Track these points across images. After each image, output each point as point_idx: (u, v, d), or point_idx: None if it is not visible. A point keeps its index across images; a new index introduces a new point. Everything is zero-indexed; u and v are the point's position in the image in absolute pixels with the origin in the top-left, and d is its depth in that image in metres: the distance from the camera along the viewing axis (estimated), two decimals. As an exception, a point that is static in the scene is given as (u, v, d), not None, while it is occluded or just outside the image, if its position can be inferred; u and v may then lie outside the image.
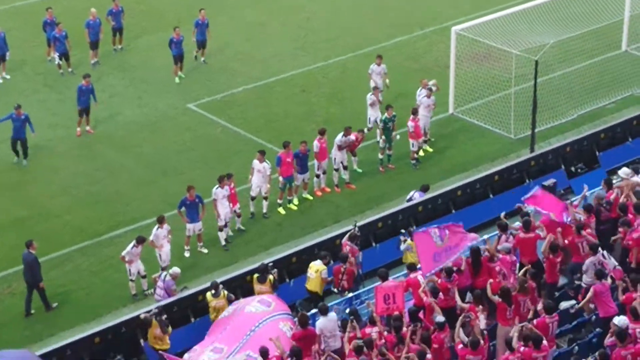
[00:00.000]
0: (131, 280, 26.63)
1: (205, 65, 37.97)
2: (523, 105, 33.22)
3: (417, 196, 28.79)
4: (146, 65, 38.28)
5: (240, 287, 25.17)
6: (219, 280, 24.92)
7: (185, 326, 24.74)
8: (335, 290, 24.93)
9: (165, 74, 37.00)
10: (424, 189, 29.10)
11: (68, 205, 30.54)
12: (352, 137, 30.86)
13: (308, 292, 25.12)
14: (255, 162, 29.32)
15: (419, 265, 23.93)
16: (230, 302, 24.09)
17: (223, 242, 28.57)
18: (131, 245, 26.38)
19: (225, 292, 24.37)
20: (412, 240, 25.06)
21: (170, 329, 23.76)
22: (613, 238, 24.48)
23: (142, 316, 23.83)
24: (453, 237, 23.61)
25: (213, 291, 24.31)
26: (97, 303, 26.74)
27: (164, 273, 25.57)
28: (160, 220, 26.89)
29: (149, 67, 38.05)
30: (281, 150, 30.07)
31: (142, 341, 24.32)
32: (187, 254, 28.27)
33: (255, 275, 24.73)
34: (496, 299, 22.06)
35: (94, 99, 33.52)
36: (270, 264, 25.09)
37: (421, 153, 32.38)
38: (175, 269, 25.55)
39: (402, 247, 25.79)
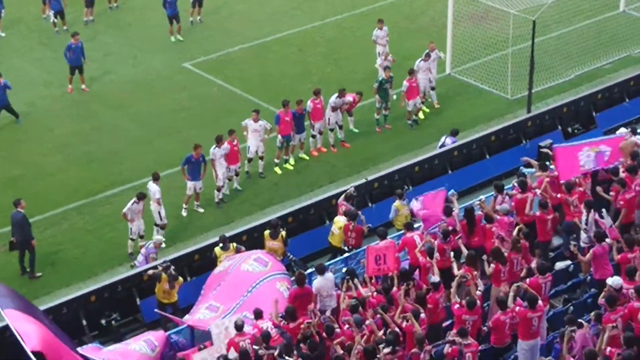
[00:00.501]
0: (131, 238, 26.55)
1: (201, 25, 37.78)
2: (520, 65, 33.09)
3: (448, 142, 28.99)
4: (141, 23, 38.09)
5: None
6: (214, 239, 24.94)
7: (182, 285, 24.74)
8: (346, 248, 24.90)
9: (161, 32, 36.81)
10: (454, 133, 29.24)
11: (62, 164, 30.46)
12: (350, 98, 30.75)
13: (331, 247, 25.22)
14: (250, 122, 29.22)
15: (416, 225, 23.95)
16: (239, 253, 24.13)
17: (217, 201, 28.54)
18: (132, 201, 26.28)
19: (235, 244, 24.36)
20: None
21: (180, 279, 23.83)
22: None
23: (150, 272, 23.87)
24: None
25: (221, 245, 24.30)
26: (92, 262, 26.70)
27: (149, 242, 25.53)
28: (140, 197, 26.27)
29: (145, 26, 37.86)
30: (279, 109, 29.97)
31: (138, 300, 24.35)
32: (184, 213, 28.21)
33: (267, 232, 24.70)
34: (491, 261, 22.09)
35: (83, 57, 33.30)
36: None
37: (421, 115, 32.27)
38: (159, 238, 25.58)
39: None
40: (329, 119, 30.60)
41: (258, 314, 21.26)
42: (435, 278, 21.73)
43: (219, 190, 28.47)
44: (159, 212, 26.87)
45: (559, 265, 23.48)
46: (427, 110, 32.60)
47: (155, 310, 23.48)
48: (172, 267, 23.79)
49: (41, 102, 33.19)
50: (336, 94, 30.55)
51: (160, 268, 23.76)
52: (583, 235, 23.22)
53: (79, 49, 33.24)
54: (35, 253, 26.15)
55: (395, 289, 21.55)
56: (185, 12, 37.24)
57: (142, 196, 26.33)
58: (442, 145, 29.06)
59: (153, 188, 26.71)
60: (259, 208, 28.48)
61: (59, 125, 32.22)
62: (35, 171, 30.08)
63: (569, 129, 30.67)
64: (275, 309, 21.22)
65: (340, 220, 25.12)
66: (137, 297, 24.41)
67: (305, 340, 20.30)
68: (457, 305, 20.81)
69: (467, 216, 23.78)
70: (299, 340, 20.41)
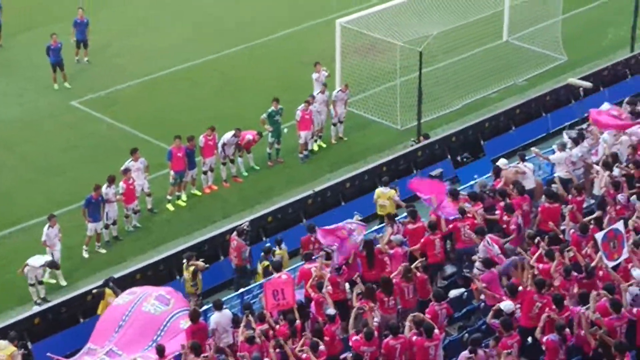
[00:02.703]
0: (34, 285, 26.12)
1: (88, 64, 37.34)
2: (409, 96, 33.52)
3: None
4: (27, 62, 37.48)
5: (131, 285, 24.78)
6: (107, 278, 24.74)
7: (75, 327, 24.37)
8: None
9: (46, 71, 36.18)
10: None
11: (-50, 207, 29.82)
12: (249, 136, 30.77)
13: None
14: (132, 163, 28.92)
15: (315, 256, 24.02)
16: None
17: (107, 239, 28.29)
18: (46, 226, 26.29)
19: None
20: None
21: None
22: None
23: (94, 291, 24.10)
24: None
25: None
26: (-16, 304, 26.16)
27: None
28: (50, 218, 26.54)
29: (30, 65, 37.24)
30: (170, 145, 29.79)
31: (30, 344, 23.85)
32: (85, 255, 27.86)
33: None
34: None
35: None
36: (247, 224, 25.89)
37: (315, 147, 32.43)
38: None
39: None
40: (221, 152, 30.53)
41: (160, 351, 21.05)
42: (331, 310, 21.79)
43: (107, 227, 28.19)
44: (52, 254, 26.52)
45: (453, 292, 23.75)
46: (324, 145, 32.71)
47: (48, 354, 22.98)
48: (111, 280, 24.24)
49: None
50: (232, 132, 30.48)
51: (102, 283, 24.10)
52: (478, 263, 23.54)
53: None
54: None
55: (298, 321, 21.55)
56: (71, 58, 36.62)
57: (52, 216, 26.44)
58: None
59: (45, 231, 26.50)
60: (152, 246, 28.22)
61: (-56, 168, 31.56)
62: None
63: (459, 158, 31.12)
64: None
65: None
66: (29, 340, 23.89)
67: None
68: (355, 337, 20.87)
69: (367, 248, 23.89)
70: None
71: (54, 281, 26.70)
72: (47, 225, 26.54)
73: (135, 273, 25.33)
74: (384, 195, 27.15)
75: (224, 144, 30.45)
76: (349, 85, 33.11)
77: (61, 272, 26.83)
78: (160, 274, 25.70)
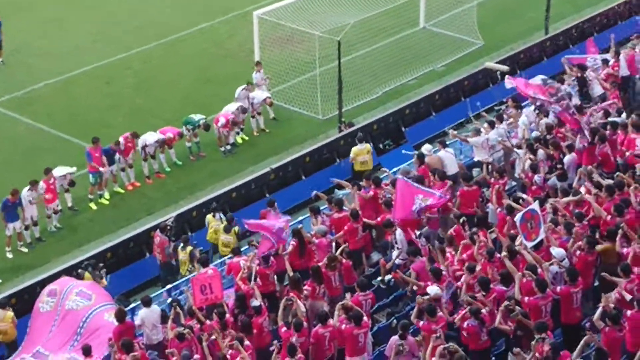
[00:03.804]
0: None
1: (2, 65, 36.74)
2: (329, 85, 33.57)
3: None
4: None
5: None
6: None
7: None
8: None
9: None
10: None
11: None
12: (170, 134, 30.61)
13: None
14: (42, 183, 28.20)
15: (244, 248, 23.91)
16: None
17: (29, 240, 27.92)
18: None
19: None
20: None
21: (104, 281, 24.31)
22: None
23: (75, 273, 24.18)
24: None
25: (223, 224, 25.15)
26: None
27: None
28: None
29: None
30: (89, 144, 29.47)
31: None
32: (9, 255, 27.46)
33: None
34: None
35: None
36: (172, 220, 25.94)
37: (239, 139, 32.29)
38: None
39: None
40: (141, 152, 30.29)
41: (87, 351, 20.84)
42: (256, 302, 21.73)
43: (27, 228, 27.81)
44: None
45: (376, 281, 23.82)
46: (247, 138, 32.57)
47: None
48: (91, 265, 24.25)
49: None
50: (154, 137, 30.31)
51: (83, 265, 24.25)
52: (394, 253, 23.57)
53: None
54: None
55: (228, 315, 21.44)
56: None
57: None
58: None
59: None
60: (76, 245, 27.89)
61: None
62: None
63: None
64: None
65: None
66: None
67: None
68: (284, 328, 20.84)
69: (297, 237, 23.84)
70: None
71: None
72: None
73: (60, 274, 24.89)
74: (362, 152, 28.36)
75: (144, 146, 30.21)
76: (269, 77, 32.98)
77: None
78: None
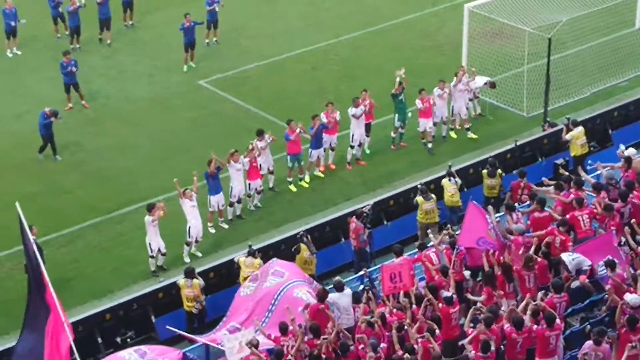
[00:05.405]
0: (151, 256, 26.53)
1: (216, 45, 37.76)
2: (536, 83, 33.05)
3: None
4: (157, 41, 38.17)
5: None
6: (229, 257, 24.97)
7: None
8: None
9: (177, 50, 36.76)
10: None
11: (78, 181, 30.49)
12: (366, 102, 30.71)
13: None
14: (257, 142, 29.00)
15: (429, 243, 23.87)
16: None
17: (230, 217, 28.55)
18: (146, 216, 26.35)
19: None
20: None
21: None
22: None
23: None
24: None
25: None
26: (108, 280, 26.69)
27: None
28: (150, 209, 26.36)
29: (160, 44, 37.92)
30: (287, 128, 29.90)
31: (153, 318, 24.32)
32: (211, 230, 28.20)
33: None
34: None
35: (76, 68, 33.42)
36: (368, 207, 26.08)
37: (453, 135, 32.15)
38: None
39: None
40: (352, 134, 30.54)
41: (284, 329, 21.19)
42: (448, 293, 21.66)
43: (231, 205, 28.47)
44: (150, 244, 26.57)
45: (575, 284, 23.32)
46: (475, 136, 32.24)
47: (168, 327, 23.38)
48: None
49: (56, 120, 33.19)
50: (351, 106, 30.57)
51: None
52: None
53: (71, 67, 33.32)
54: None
55: (414, 307, 21.46)
56: (202, 36, 37.16)
57: (150, 207, 26.25)
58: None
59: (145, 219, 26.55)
60: (274, 226, 28.43)
61: (74, 142, 32.26)
62: (51, 188, 30.11)
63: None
64: (294, 326, 21.06)
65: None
66: (153, 315, 24.38)
67: (314, 358, 20.22)
68: (507, 325, 20.60)
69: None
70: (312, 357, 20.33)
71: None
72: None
73: (257, 252, 25.44)
74: (580, 134, 28.73)
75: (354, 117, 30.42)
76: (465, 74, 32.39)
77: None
78: (282, 254, 25.85)
